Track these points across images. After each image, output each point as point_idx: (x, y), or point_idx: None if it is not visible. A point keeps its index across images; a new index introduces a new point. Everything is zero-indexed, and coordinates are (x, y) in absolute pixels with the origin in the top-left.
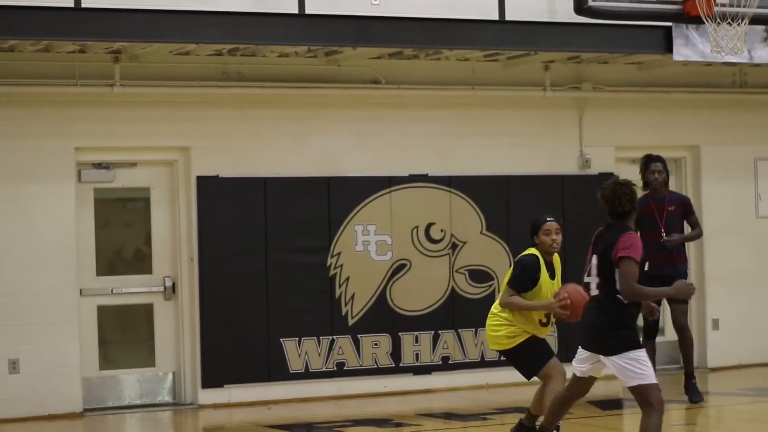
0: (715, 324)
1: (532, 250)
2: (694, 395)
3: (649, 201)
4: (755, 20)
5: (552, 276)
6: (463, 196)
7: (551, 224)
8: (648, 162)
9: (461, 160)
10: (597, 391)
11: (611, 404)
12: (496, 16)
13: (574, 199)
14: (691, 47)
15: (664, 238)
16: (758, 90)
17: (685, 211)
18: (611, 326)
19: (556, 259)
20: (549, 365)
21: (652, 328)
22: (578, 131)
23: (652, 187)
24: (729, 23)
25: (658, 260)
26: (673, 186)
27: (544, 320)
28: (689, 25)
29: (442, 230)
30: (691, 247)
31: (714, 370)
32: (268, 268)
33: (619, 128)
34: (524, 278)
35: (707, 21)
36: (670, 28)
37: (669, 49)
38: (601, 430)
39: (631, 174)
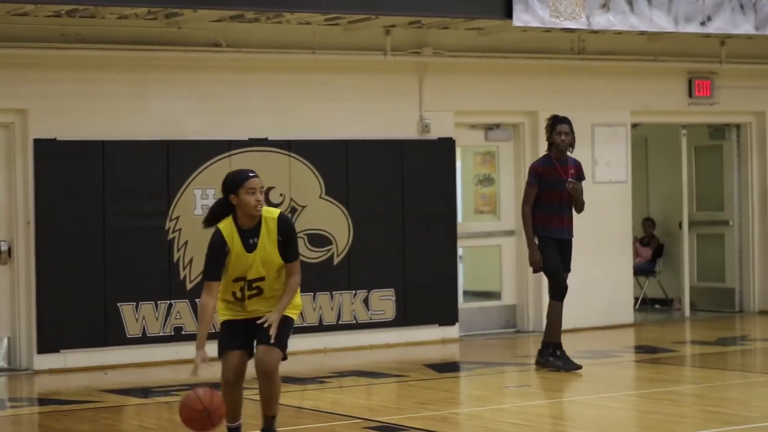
0: None
1: (225, 222)
2: (561, 363)
3: (555, 163)
4: None
5: (252, 247)
6: (303, 160)
7: (255, 180)
8: (555, 123)
9: (301, 124)
10: (433, 354)
11: (447, 367)
12: None
13: (414, 163)
14: (531, 13)
15: (569, 180)
16: (596, 56)
17: (579, 174)
18: None
19: (270, 222)
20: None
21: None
22: (418, 96)
23: (558, 148)
24: None
25: (563, 223)
26: (511, 151)
27: (239, 294)
28: None
29: (281, 194)
30: None
31: None
32: (106, 232)
33: (459, 94)
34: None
35: None
36: None
37: (509, 14)
38: (438, 392)
39: (470, 139)
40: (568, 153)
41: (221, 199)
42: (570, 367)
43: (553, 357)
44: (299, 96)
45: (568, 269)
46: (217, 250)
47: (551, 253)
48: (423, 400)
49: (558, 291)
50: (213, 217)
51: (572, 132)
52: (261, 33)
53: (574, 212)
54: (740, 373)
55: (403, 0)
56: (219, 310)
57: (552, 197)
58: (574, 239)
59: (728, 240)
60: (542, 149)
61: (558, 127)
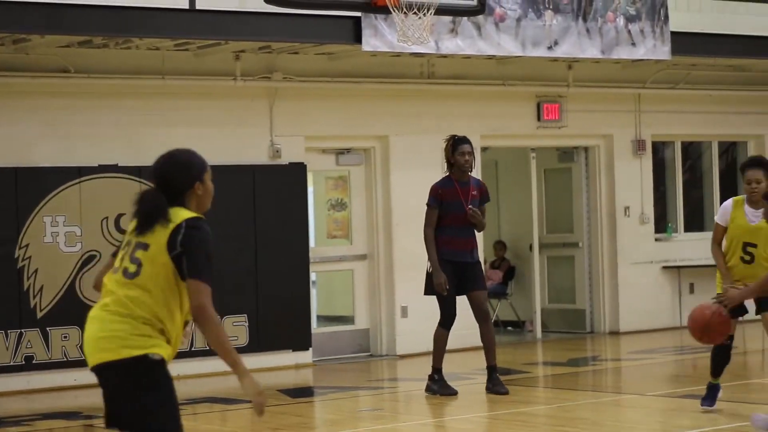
0: (404, 311)
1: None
2: (499, 387)
3: (455, 184)
4: (441, 11)
5: None
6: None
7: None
8: (456, 143)
9: (152, 150)
10: (287, 380)
11: (301, 392)
12: (186, 5)
13: (266, 188)
14: (380, 38)
15: (470, 207)
16: (446, 81)
17: (482, 196)
18: None
19: None
20: None
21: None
22: (269, 121)
23: (461, 169)
24: (416, 13)
25: (466, 245)
26: (362, 177)
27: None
28: (378, 15)
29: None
30: (380, 235)
31: (403, 357)
32: None
33: (309, 118)
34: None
35: (394, 11)
36: (359, 18)
37: (358, 39)
38: (292, 417)
39: (321, 164)
40: (470, 174)
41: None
42: (446, 391)
43: (431, 381)
44: (149, 122)
45: (480, 287)
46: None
47: (440, 275)
48: (277, 426)
49: (445, 318)
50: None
51: (473, 152)
52: (110, 58)
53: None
54: (591, 393)
55: (252, 25)
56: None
57: (454, 219)
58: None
59: (578, 261)
60: (393, 173)
61: (460, 147)
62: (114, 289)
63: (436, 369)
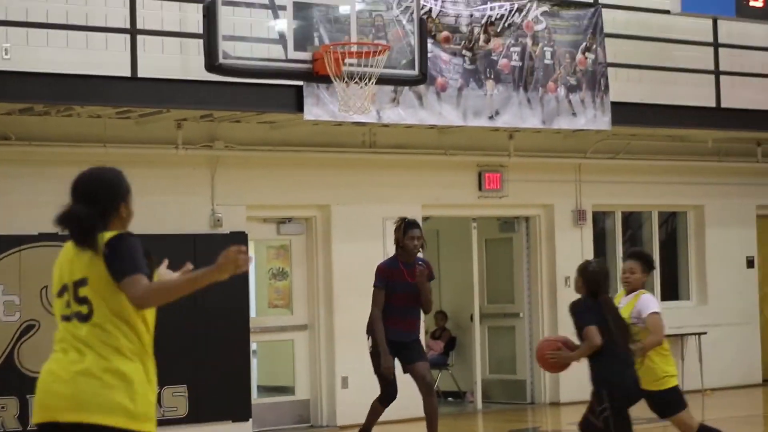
0: (345, 382)
1: None
2: None
3: (400, 265)
4: (383, 80)
5: None
6: None
7: None
8: (407, 227)
9: None
10: None
11: None
12: (128, 73)
13: (206, 258)
14: (322, 106)
15: (419, 264)
16: (387, 150)
17: (429, 274)
18: None
19: None
20: None
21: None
22: (210, 190)
23: (409, 253)
24: (357, 83)
25: (411, 326)
26: (304, 246)
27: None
28: (319, 84)
29: None
30: (321, 305)
31: (343, 428)
32: None
33: (251, 187)
34: None
35: (336, 81)
36: (301, 87)
37: (300, 108)
38: None
39: (263, 233)
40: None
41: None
42: None
43: None
44: None
45: (422, 358)
46: None
47: (388, 359)
48: None
49: (385, 397)
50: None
51: (423, 236)
52: (51, 126)
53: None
54: None
55: (194, 94)
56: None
57: (399, 299)
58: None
59: (519, 331)
60: (335, 242)
61: (411, 231)
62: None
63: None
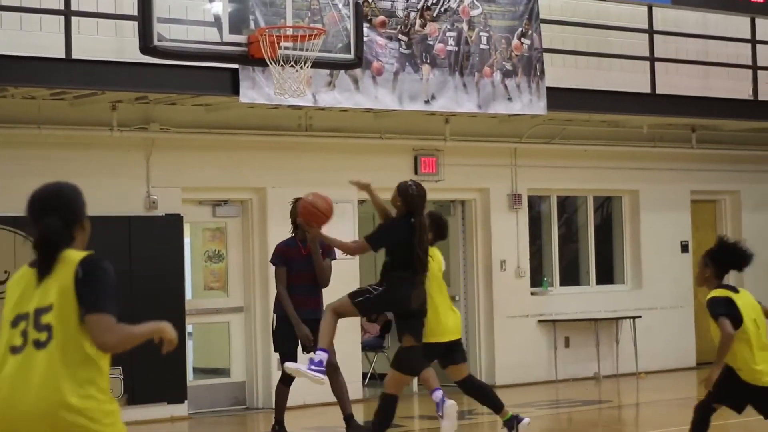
0: (280, 364)
1: None
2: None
3: (298, 243)
4: (319, 64)
5: None
6: (29, 236)
7: None
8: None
9: (25, 199)
10: None
11: None
12: (62, 54)
13: (141, 240)
14: (258, 90)
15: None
16: (323, 134)
17: (326, 252)
18: None
19: None
20: None
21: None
22: (146, 172)
23: (305, 229)
24: (293, 66)
25: (310, 304)
26: (240, 229)
27: None
28: (255, 67)
29: (6, 272)
30: (256, 288)
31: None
32: None
33: (186, 170)
34: None
35: (272, 64)
36: (237, 70)
37: (236, 91)
38: None
39: (198, 216)
40: None
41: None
42: None
43: None
44: (25, 171)
45: None
46: None
47: (288, 336)
48: None
49: (286, 376)
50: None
51: None
52: None
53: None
54: None
55: (129, 75)
56: None
57: (298, 278)
58: None
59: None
60: (271, 224)
61: None
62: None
63: (278, 421)
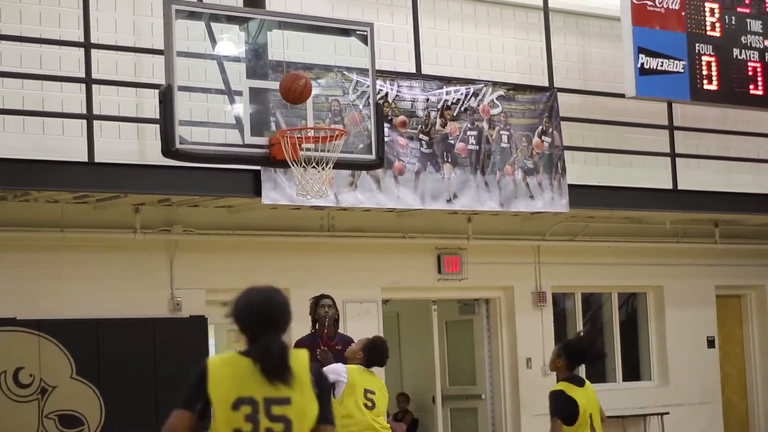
0: None
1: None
2: None
3: (317, 339)
4: (341, 165)
5: None
6: (53, 339)
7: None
8: (318, 299)
9: (50, 303)
10: None
11: None
12: (85, 158)
13: (165, 342)
14: (280, 191)
15: (321, 348)
16: (346, 233)
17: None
18: None
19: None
20: None
21: None
22: (169, 274)
23: (322, 322)
24: (315, 167)
25: None
26: None
27: None
28: (277, 168)
29: (31, 375)
30: None
31: None
32: None
33: (210, 271)
34: None
35: (293, 165)
36: (258, 171)
37: (258, 192)
38: None
39: (222, 317)
40: (338, 330)
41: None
42: None
43: None
44: (48, 274)
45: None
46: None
47: None
48: None
49: None
50: None
51: (335, 306)
52: (8, 211)
53: None
54: None
55: (151, 178)
56: None
57: None
58: None
59: (481, 413)
60: (295, 325)
61: (321, 301)
62: None
63: None
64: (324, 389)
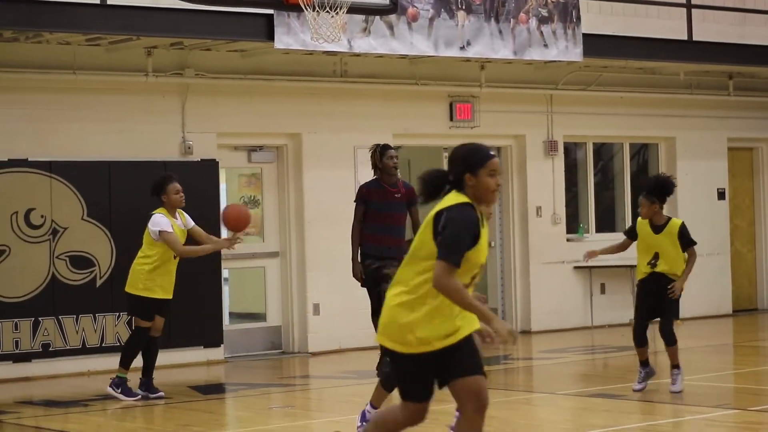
0: (316, 309)
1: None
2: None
3: (381, 185)
4: (354, 9)
5: None
6: (64, 181)
7: (496, 161)
8: (384, 149)
9: (62, 145)
10: (198, 377)
11: (212, 389)
12: (98, 0)
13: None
14: (293, 35)
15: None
16: (358, 79)
17: (411, 198)
18: None
19: None
20: None
21: None
22: (181, 118)
23: (389, 172)
24: (328, 12)
25: (387, 242)
26: (275, 174)
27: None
28: (291, 13)
29: (42, 216)
30: (292, 233)
31: (315, 354)
32: None
33: (221, 115)
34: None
35: (307, 9)
36: (272, 16)
37: (271, 37)
38: (202, 414)
39: (234, 161)
40: (399, 176)
41: (442, 173)
42: None
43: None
44: (60, 117)
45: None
46: (474, 230)
47: (368, 271)
48: (186, 422)
49: (371, 310)
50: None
51: (397, 156)
52: (20, 52)
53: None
54: (503, 392)
55: (164, 21)
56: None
57: (377, 218)
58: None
59: (490, 261)
60: (306, 171)
61: (388, 152)
62: None
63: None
64: (441, 222)
